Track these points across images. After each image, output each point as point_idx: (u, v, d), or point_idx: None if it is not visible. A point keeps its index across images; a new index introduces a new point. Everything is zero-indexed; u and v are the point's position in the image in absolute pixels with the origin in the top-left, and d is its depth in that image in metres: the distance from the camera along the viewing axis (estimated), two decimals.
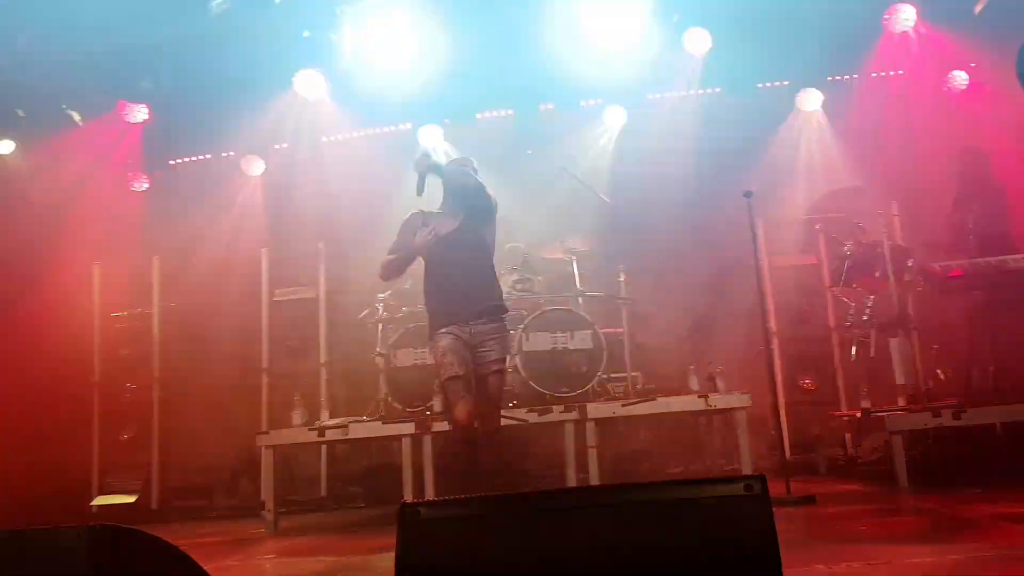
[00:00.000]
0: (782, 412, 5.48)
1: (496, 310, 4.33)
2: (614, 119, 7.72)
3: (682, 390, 5.97)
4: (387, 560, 4.00)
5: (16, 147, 7.90)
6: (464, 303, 4.25)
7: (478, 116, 7.74)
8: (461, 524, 1.65)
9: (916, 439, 5.47)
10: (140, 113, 7.81)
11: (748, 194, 5.27)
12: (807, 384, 6.91)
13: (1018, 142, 2.94)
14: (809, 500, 4.83)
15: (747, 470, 5.39)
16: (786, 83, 7.61)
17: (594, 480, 5.49)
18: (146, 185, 8.41)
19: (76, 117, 7.65)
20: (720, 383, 5.71)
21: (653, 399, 5.68)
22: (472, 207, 4.35)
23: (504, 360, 4.33)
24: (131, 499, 7.40)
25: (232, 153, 8.29)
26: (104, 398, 7.74)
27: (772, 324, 6.55)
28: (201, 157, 8.58)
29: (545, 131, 7.75)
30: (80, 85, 7.41)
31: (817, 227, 6.65)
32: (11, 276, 7.70)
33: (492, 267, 4.43)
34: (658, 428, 6.96)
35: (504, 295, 6.13)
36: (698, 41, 6.96)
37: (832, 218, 6.45)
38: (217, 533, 6.16)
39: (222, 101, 7.51)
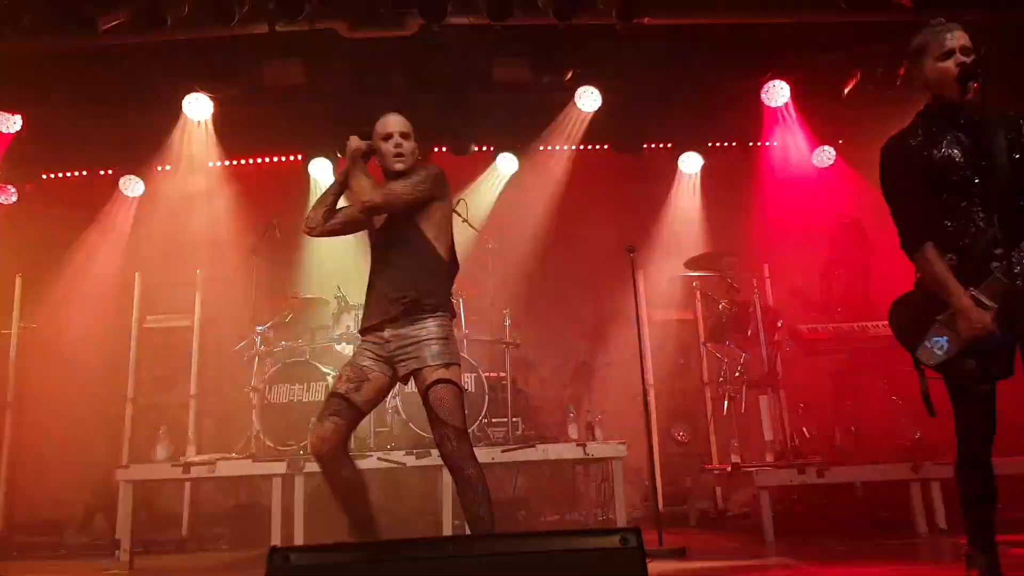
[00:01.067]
0: (656, 463, 5.33)
1: (423, 313, 3.21)
2: (505, 166, 7.54)
3: (561, 437, 5.75)
4: None
5: None
6: (385, 309, 3.23)
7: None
8: (333, 572, 1.57)
9: (783, 495, 5.42)
10: (13, 123, 7.04)
11: (631, 249, 5.17)
12: (681, 436, 6.82)
13: (879, 215, 2.95)
14: (679, 553, 4.67)
15: (621, 520, 5.22)
16: (670, 145, 7.66)
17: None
18: (14, 198, 7.59)
19: None
20: (598, 432, 5.53)
21: (532, 446, 5.42)
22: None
23: (446, 366, 3.16)
24: None
25: (111, 171, 7.59)
26: None
27: (650, 376, 6.46)
28: (77, 173, 7.83)
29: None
30: None
31: (694, 284, 6.64)
32: None
33: (434, 264, 3.30)
34: (536, 475, 6.71)
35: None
36: (589, 99, 6.89)
37: (708, 277, 6.44)
38: (66, 573, 5.48)
39: (104, 117, 6.86)
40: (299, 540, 5.25)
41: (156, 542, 6.37)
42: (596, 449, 5.38)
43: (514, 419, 5.86)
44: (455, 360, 3.24)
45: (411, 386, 5.30)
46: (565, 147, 7.38)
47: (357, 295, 6.10)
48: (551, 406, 6.75)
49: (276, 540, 5.32)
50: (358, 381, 3.23)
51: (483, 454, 5.30)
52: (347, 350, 6.10)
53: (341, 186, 3.42)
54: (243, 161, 7.56)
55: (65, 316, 7.22)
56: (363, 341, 3.33)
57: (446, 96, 6.83)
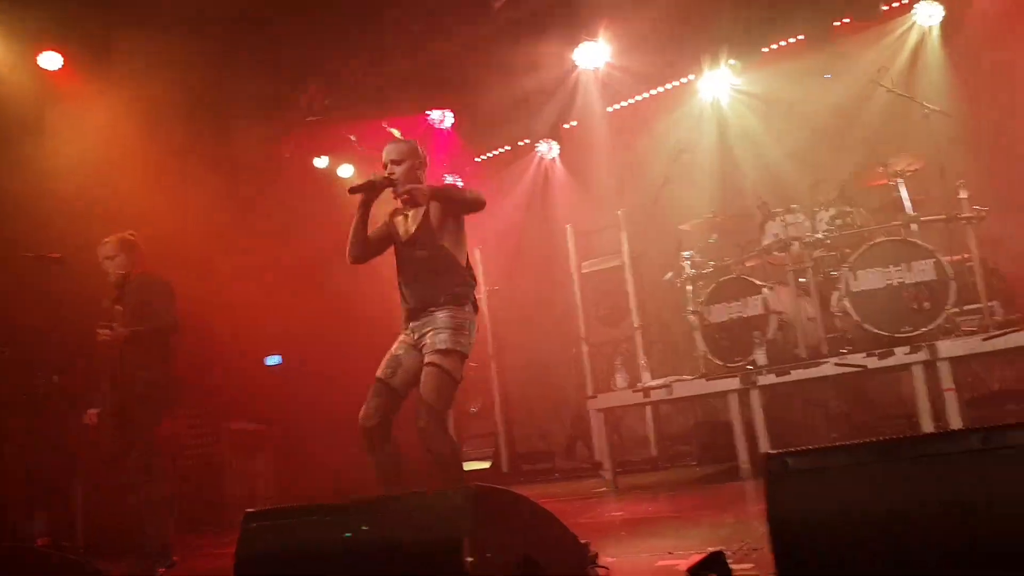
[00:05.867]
0: None
1: (441, 303, 3.68)
2: (926, 16, 6.41)
3: None
4: (734, 514, 3.69)
5: (354, 170, 8.66)
6: (412, 306, 3.75)
7: (764, 51, 6.89)
8: (836, 475, 1.48)
9: None
10: (446, 119, 8.16)
11: None
12: None
13: None
14: None
15: None
16: None
17: (955, 427, 4.57)
18: (460, 184, 8.78)
19: (396, 133, 8.13)
20: None
21: (1020, 330, 4.58)
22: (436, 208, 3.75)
23: (444, 352, 3.58)
24: (486, 465, 7.82)
25: (527, 141, 8.35)
26: None
27: None
28: (502, 150, 8.78)
29: (844, 50, 6.69)
30: (394, 104, 7.87)
31: None
32: (357, 286, 8.45)
33: (451, 266, 3.76)
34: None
35: (795, 233, 5.38)
36: None
37: None
38: (563, 492, 6.23)
39: (513, 92, 7.52)
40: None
41: (630, 462, 6.92)
42: None
43: (989, 303, 5.01)
44: (454, 345, 3.60)
45: (861, 283, 5.06)
46: None
47: (781, 202, 5.83)
48: None
49: (742, 453, 5.37)
50: (392, 366, 3.68)
51: (957, 346, 4.69)
52: (779, 258, 5.89)
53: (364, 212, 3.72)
54: (640, 96, 7.67)
55: (520, 275, 8.17)
56: (402, 334, 3.78)
57: None
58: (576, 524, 3.80)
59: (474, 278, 3.89)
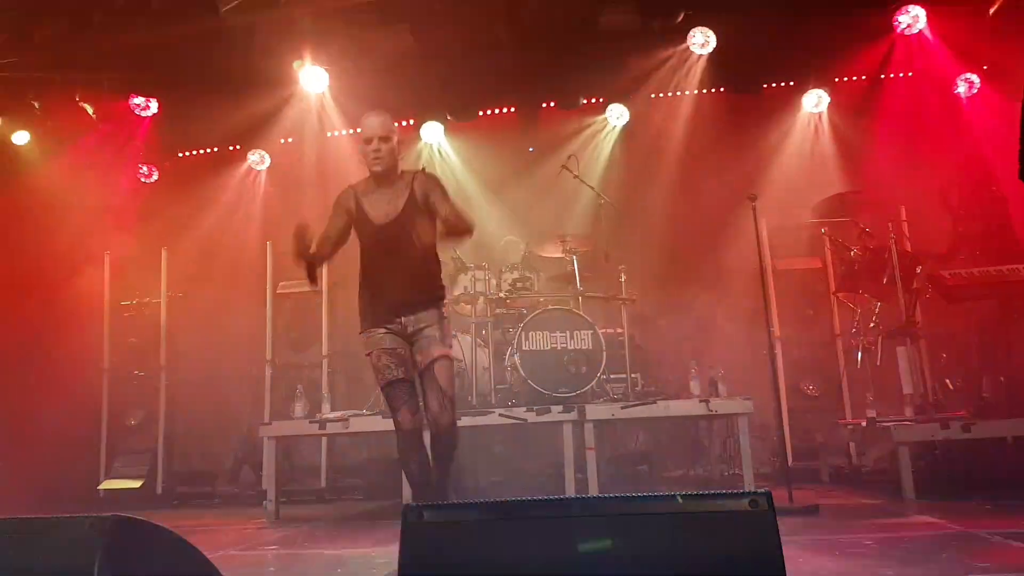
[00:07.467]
0: (785, 418, 5.15)
1: (433, 299, 3.73)
2: (616, 118, 7.37)
3: (682, 394, 5.66)
4: (387, 557, 3.78)
5: (31, 138, 7.64)
6: (399, 296, 3.68)
7: (480, 113, 7.40)
8: (464, 529, 1.62)
9: (923, 450, 5.14)
10: (151, 107, 7.55)
11: (752, 197, 4.95)
12: (810, 390, 6.56)
13: None
14: (812, 511, 4.54)
15: (748, 477, 5.11)
16: (792, 84, 7.20)
17: (592, 481, 5.19)
18: (156, 177, 8.15)
19: (89, 110, 7.37)
20: (722, 387, 5.39)
21: (653, 403, 5.36)
22: (422, 192, 3.69)
23: (450, 345, 3.73)
24: (137, 484, 7.16)
25: (239, 147, 8.00)
26: (112, 384, 7.50)
27: (776, 329, 6.21)
28: (208, 150, 8.29)
29: (547, 129, 7.42)
30: (94, 80, 7.14)
31: (823, 231, 6.29)
32: (23, 263, 7.48)
33: (432, 254, 3.78)
34: (657, 431, 6.65)
35: (499, 291, 5.85)
36: (702, 40, 6.58)
37: (838, 222, 6.10)
38: (219, 520, 5.95)
39: (230, 96, 7.20)
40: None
41: (297, 492, 6.79)
42: (720, 405, 5.25)
43: (633, 375, 5.81)
44: (448, 342, 3.75)
45: (531, 343, 5.55)
46: (679, 93, 7.08)
47: (473, 257, 6.21)
48: (671, 361, 6.64)
49: (407, 491, 5.55)
50: (404, 363, 3.69)
51: (602, 410, 5.34)
52: (465, 310, 6.24)
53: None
54: (358, 129, 7.73)
55: (207, 284, 7.71)
56: (382, 329, 3.74)
57: (553, 49, 6.71)
58: (223, 557, 3.66)
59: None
